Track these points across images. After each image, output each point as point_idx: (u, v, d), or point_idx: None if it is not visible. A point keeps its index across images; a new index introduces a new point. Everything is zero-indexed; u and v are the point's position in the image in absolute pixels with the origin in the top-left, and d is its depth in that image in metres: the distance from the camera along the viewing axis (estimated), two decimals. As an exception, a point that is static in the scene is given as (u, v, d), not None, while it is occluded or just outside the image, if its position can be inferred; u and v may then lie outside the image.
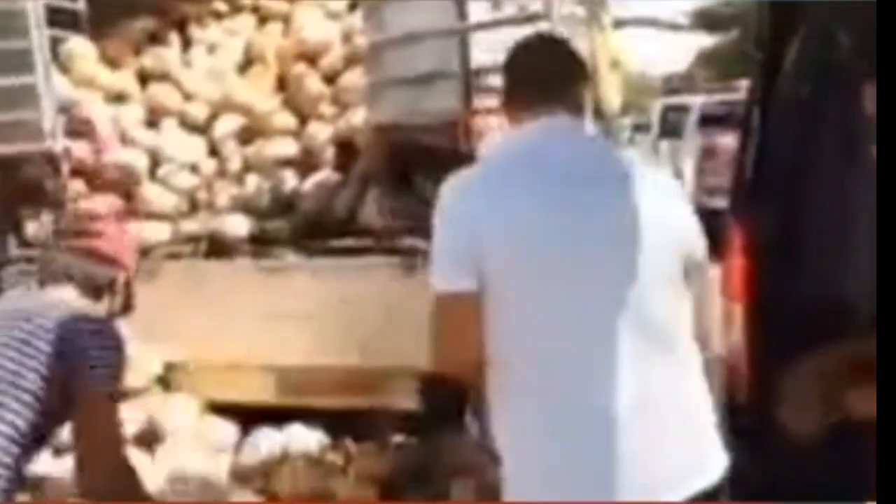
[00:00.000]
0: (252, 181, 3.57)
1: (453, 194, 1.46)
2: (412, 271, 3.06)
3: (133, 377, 3.34)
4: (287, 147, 3.64)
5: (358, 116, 3.46)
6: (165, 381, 3.38)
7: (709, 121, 8.95)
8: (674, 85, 13.17)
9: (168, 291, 3.40)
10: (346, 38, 3.86)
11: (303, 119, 3.70)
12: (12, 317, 1.65)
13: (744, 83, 9.92)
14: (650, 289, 1.38)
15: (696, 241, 1.50)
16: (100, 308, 1.78)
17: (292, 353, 3.23)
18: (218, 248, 3.38)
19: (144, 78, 4.01)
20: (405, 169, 3.19)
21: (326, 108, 3.69)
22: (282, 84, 3.92)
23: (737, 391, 2.02)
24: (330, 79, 3.76)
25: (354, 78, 3.61)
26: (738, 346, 2.01)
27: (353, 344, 3.14)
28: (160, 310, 3.40)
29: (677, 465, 1.38)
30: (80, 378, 1.57)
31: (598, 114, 5.07)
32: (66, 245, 1.83)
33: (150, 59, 4.01)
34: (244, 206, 3.46)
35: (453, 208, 1.44)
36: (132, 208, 3.56)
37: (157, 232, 3.51)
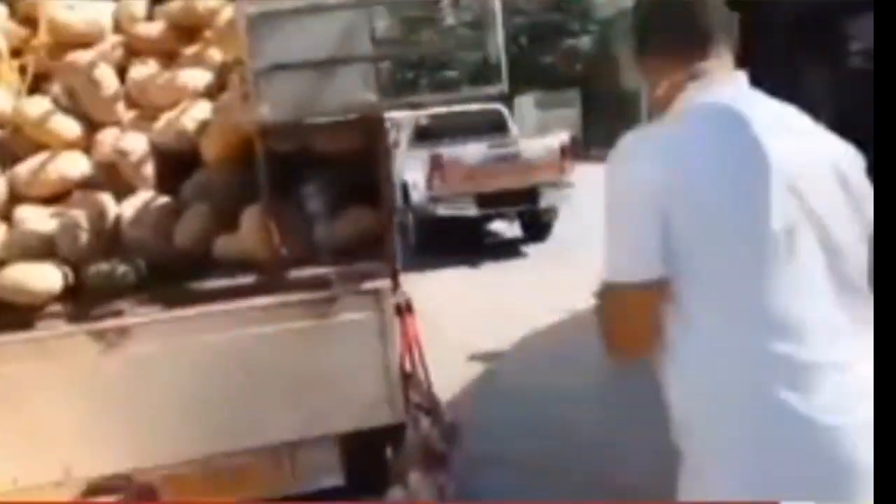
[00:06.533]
0: (37, 214, 2.51)
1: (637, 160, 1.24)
2: (326, 309, 2.42)
3: None
4: (76, 164, 2.64)
5: (190, 117, 2.66)
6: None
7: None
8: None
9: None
10: (117, 24, 2.98)
11: (92, 127, 2.73)
12: None
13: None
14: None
15: None
16: None
17: (150, 455, 2.30)
18: (14, 315, 2.29)
19: None
20: (291, 181, 2.53)
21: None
22: (37, 84, 2.85)
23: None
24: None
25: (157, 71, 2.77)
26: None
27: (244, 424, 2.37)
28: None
29: None
30: None
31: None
32: None
33: None
34: (43, 250, 2.40)
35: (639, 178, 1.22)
36: None
37: None
